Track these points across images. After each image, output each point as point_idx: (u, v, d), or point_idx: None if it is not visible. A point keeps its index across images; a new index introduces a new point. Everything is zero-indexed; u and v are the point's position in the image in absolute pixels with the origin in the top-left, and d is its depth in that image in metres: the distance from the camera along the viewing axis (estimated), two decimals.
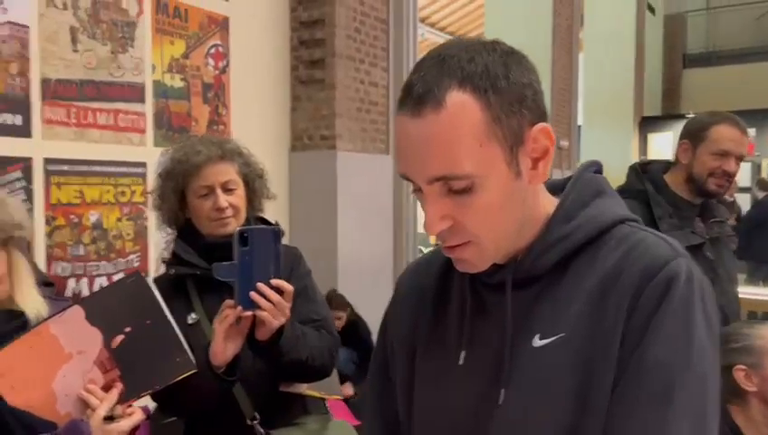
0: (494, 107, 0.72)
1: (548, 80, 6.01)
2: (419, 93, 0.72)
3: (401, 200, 4.11)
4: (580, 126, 7.75)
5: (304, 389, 1.57)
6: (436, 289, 0.90)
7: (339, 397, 1.70)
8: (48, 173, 3.03)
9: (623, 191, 1.94)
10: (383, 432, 0.97)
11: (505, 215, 0.76)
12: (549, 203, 0.83)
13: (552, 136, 0.78)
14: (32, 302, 1.19)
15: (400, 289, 0.97)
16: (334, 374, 1.67)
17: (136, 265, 3.34)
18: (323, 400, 1.64)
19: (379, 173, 4.06)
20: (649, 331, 0.73)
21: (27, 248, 1.34)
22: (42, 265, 3.00)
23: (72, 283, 3.10)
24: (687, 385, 0.72)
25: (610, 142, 9.45)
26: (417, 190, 0.77)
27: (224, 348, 1.33)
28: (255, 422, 1.47)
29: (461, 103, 0.71)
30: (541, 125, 0.76)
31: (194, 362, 1.21)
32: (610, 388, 0.74)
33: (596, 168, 0.89)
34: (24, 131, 2.91)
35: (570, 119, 6.63)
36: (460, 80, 0.71)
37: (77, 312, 1.15)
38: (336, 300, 3.68)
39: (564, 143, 6.10)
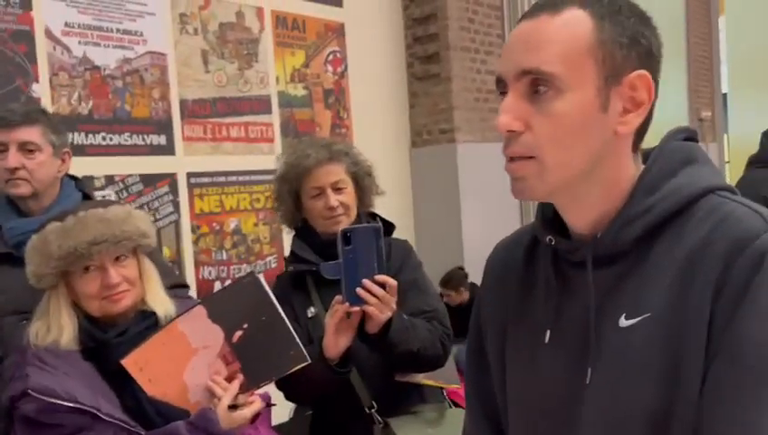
0: (605, 32, 0.73)
1: (682, 47, 5.60)
2: (541, 4, 0.75)
3: None
4: (725, 94, 7.14)
5: (420, 378, 1.60)
6: (522, 268, 0.90)
7: (457, 386, 1.72)
8: (191, 186, 3.31)
9: (756, 161, 1.78)
10: (482, 414, 0.98)
11: (577, 141, 0.74)
12: (637, 172, 0.79)
13: (653, 91, 0.75)
14: (161, 302, 1.33)
15: (489, 269, 0.98)
16: (452, 363, 1.68)
17: (273, 266, 3.56)
18: (441, 389, 1.66)
19: (501, 161, 4.00)
20: (741, 307, 0.68)
21: (155, 254, 1.49)
22: (190, 270, 3.29)
23: (218, 285, 3.37)
24: None
25: (762, 111, 8.60)
26: (503, 94, 0.76)
27: (335, 342, 1.40)
28: (373, 410, 1.53)
29: (576, 17, 0.73)
30: (643, 72, 0.74)
31: (306, 354, 1.28)
32: (701, 370, 0.70)
33: (686, 134, 0.83)
34: (168, 150, 3.20)
35: (712, 87, 6.13)
36: (582, 2, 0.74)
37: (200, 311, 1.26)
38: (458, 276, 3.73)
39: (706, 114, 5.66)
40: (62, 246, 1.21)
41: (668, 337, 0.72)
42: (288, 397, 1.58)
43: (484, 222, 3.79)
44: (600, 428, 0.77)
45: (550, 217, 0.85)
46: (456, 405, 1.71)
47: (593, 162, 0.76)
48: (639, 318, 0.75)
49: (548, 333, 0.83)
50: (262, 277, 1.27)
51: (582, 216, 0.80)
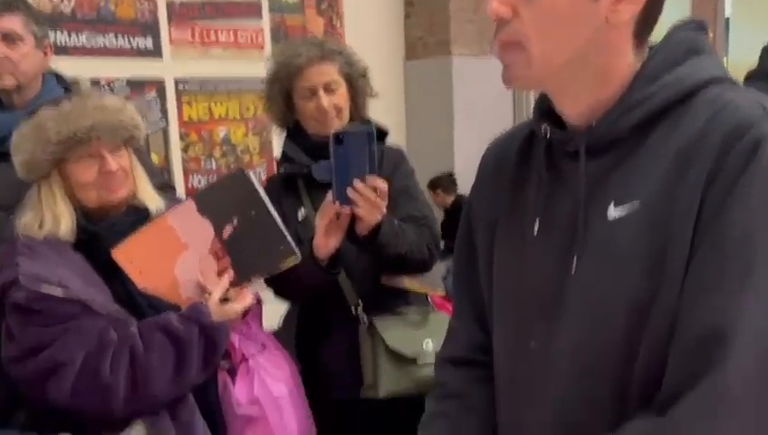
0: None
1: None
2: None
3: (522, 106, 3.98)
4: (728, 19, 6.97)
5: (406, 283, 1.63)
6: (516, 164, 0.89)
7: (442, 293, 1.74)
8: (179, 93, 3.24)
9: (754, 75, 1.75)
10: (471, 313, 0.99)
11: (564, 30, 0.72)
12: (638, 62, 0.77)
13: None
14: (152, 198, 1.32)
15: (482, 165, 0.97)
16: (438, 270, 1.70)
17: (263, 177, 3.54)
18: (426, 295, 1.69)
19: (498, 77, 3.93)
20: (732, 195, 0.68)
21: (142, 154, 1.47)
22: (179, 178, 3.27)
23: None
24: None
25: (764, 35, 8.42)
26: None
27: (325, 242, 1.41)
28: (359, 309, 1.56)
29: None
30: None
31: (296, 248, 1.29)
32: (686, 259, 0.71)
33: (695, 25, 0.81)
34: (155, 53, 3.11)
35: (714, 10, 5.97)
36: None
37: (190, 205, 1.26)
38: (447, 180, 3.79)
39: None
40: (61, 131, 1.18)
41: (656, 226, 0.72)
42: (277, 293, 1.61)
43: (478, 138, 3.76)
44: (583, 317, 0.78)
45: (546, 109, 0.83)
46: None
47: (582, 52, 0.74)
48: (628, 206, 0.74)
49: (537, 224, 0.83)
50: (250, 173, 1.26)
51: (575, 105, 0.78)
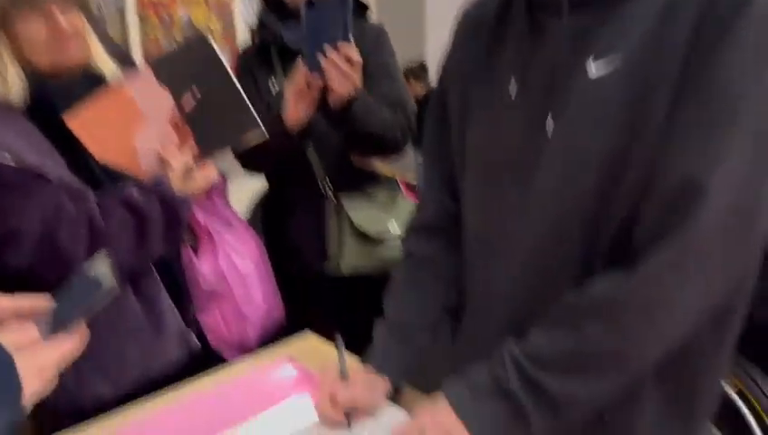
0: None
1: None
2: None
3: None
4: None
5: (377, 165, 1.61)
6: (494, 23, 0.85)
7: (413, 179, 1.73)
8: None
9: None
10: (440, 178, 0.98)
11: None
12: None
13: None
14: (107, 64, 1.24)
15: (459, 25, 0.93)
16: (410, 156, 1.69)
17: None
18: (395, 179, 1.68)
19: None
20: (723, 41, 0.65)
21: (99, 24, 1.37)
22: (138, 60, 3.13)
23: None
24: (756, 101, 0.65)
25: None
26: None
27: (295, 110, 1.38)
28: (326, 184, 1.55)
29: None
30: None
31: (260, 123, 1.25)
32: (667, 108, 0.68)
33: None
34: None
35: None
36: None
37: (147, 72, 1.19)
38: (418, 69, 3.73)
39: None
40: None
41: (637, 79, 0.70)
42: (245, 165, 1.59)
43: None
44: (557, 173, 0.77)
45: None
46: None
47: None
48: (609, 59, 0.71)
49: (514, 85, 0.80)
50: (211, 39, 1.19)
51: None
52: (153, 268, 1.23)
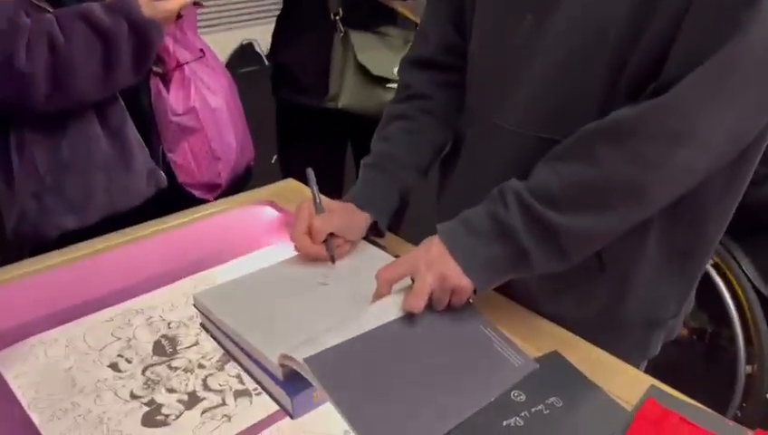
0: None
1: None
2: None
3: None
4: None
5: (398, 5, 1.51)
6: None
7: None
8: None
9: None
10: (446, 11, 0.92)
11: None
12: None
13: None
14: None
15: None
16: None
17: None
18: (415, 24, 1.58)
19: None
20: None
21: None
22: None
23: None
24: None
25: None
26: None
27: None
28: (338, 18, 1.47)
29: None
30: None
31: None
32: None
33: None
34: None
35: None
36: None
37: None
38: None
39: None
40: None
41: None
42: None
43: None
44: (568, 37, 0.71)
45: None
46: None
47: None
48: None
49: None
50: None
51: None
52: (120, 98, 1.14)
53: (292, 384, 0.69)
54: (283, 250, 1.00)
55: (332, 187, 1.75)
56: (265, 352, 0.71)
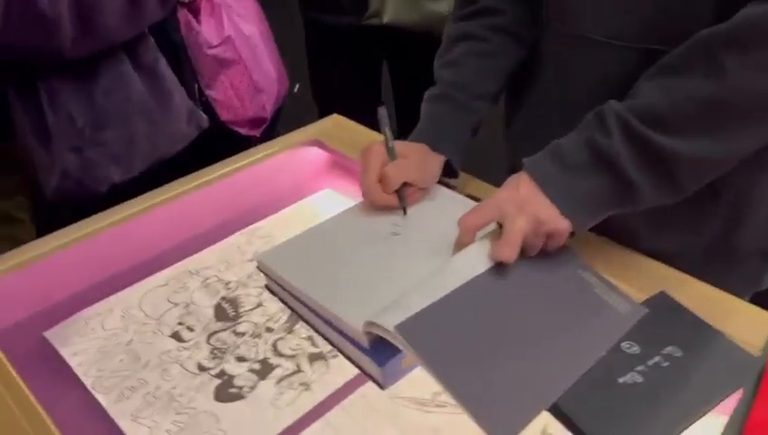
0: None
1: None
2: None
3: None
4: None
5: None
6: None
7: None
8: None
9: None
10: None
11: None
12: None
13: None
14: None
15: None
16: None
17: None
18: None
19: None
20: None
21: None
22: None
23: None
24: None
25: None
26: None
27: None
28: None
29: None
30: None
31: None
32: None
33: None
34: None
35: None
36: None
37: None
38: None
39: None
40: None
41: None
42: None
43: None
44: None
45: None
46: None
47: None
48: None
49: None
50: None
51: None
52: (150, 36, 1.04)
53: (379, 352, 0.62)
54: (335, 196, 0.92)
55: (371, 117, 1.64)
56: (345, 318, 0.63)
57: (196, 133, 1.11)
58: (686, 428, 0.57)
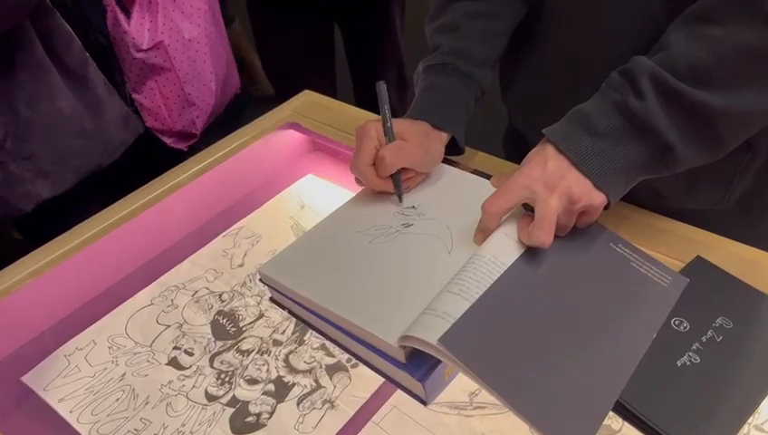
0: None
1: None
2: None
3: None
4: None
5: None
6: None
7: None
8: None
9: None
10: None
11: None
12: None
13: None
14: None
15: None
16: None
17: None
18: None
19: None
20: None
21: None
22: None
23: None
24: None
25: None
26: None
27: None
28: None
29: None
30: None
31: None
32: None
33: None
34: None
35: None
36: None
37: None
38: None
39: None
40: None
41: None
42: None
43: None
44: None
45: None
46: None
47: None
48: None
49: None
50: None
51: None
52: (75, 37, 0.92)
53: (417, 366, 0.56)
54: (319, 182, 0.85)
55: (325, 83, 1.54)
56: (375, 332, 0.57)
57: (132, 139, 1.00)
58: (758, 403, 0.54)
